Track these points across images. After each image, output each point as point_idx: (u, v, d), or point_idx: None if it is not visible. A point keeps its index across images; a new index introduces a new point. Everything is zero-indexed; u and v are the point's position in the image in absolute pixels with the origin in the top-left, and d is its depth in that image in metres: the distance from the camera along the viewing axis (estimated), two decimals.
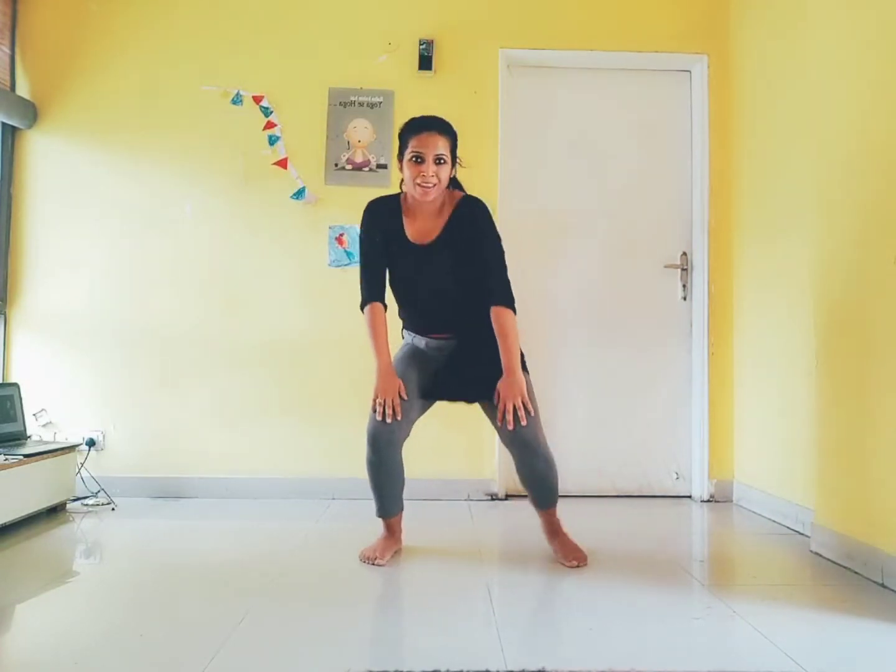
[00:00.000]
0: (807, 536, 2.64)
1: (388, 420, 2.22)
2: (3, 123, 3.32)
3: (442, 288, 2.37)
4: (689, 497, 3.47)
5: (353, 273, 3.40)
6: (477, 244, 2.32)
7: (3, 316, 3.34)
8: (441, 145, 2.25)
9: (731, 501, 3.38)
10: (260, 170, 3.41)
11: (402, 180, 2.36)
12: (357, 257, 3.39)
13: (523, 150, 3.52)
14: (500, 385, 2.24)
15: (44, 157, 3.40)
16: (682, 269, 3.51)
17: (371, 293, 2.37)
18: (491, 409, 2.33)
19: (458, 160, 2.37)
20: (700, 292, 3.47)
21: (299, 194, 3.41)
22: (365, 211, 2.42)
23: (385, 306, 2.39)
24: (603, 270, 3.51)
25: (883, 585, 2.12)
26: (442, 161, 2.25)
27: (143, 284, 3.39)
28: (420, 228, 2.37)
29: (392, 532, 2.45)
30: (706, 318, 3.44)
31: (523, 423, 2.21)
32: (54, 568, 2.40)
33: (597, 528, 2.92)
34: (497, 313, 2.28)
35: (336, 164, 3.42)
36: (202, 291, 3.39)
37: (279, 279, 3.40)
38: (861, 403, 2.28)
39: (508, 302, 2.29)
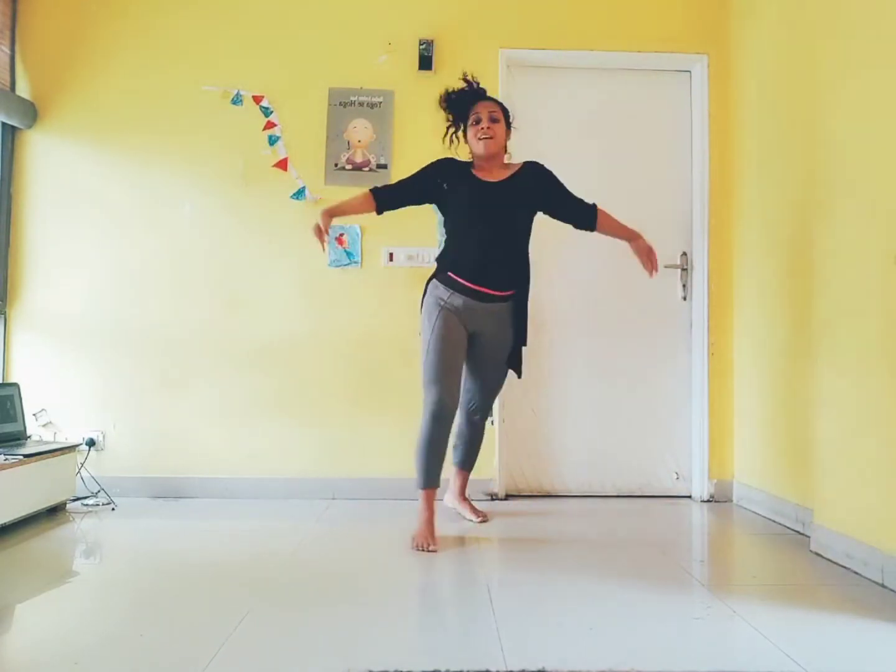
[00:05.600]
0: (807, 536, 2.64)
1: (324, 244, 2.62)
2: (3, 123, 3.32)
3: (505, 228, 2.63)
4: (689, 497, 3.47)
5: (354, 273, 3.42)
6: (552, 185, 2.73)
7: (3, 316, 3.34)
8: (492, 107, 2.70)
9: (731, 501, 3.38)
10: (260, 170, 3.41)
11: (470, 152, 2.74)
12: (356, 257, 3.40)
13: (523, 150, 3.51)
14: (640, 245, 2.75)
15: (44, 157, 3.40)
16: (682, 269, 3.51)
17: (384, 193, 2.73)
18: (478, 370, 2.78)
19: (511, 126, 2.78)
20: (700, 292, 3.47)
21: (299, 194, 3.41)
22: (437, 160, 2.73)
23: (379, 209, 2.72)
24: (603, 270, 3.51)
25: (883, 585, 2.12)
26: (495, 119, 2.67)
27: (144, 284, 3.39)
28: (490, 175, 2.69)
29: (431, 506, 2.63)
30: (706, 317, 3.44)
31: (657, 271, 2.78)
32: (54, 568, 2.40)
33: (597, 528, 2.92)
34: (600, 212, 2.76)
35: (336, 164, 3.42)
36: (202, 291, 3.39)
37: (279, 279, 3.40)
38: (860, 403, 2.28)
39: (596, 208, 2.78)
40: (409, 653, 1.65)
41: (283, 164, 3.42)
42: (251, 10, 3.45)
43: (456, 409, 2.65)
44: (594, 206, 2.76)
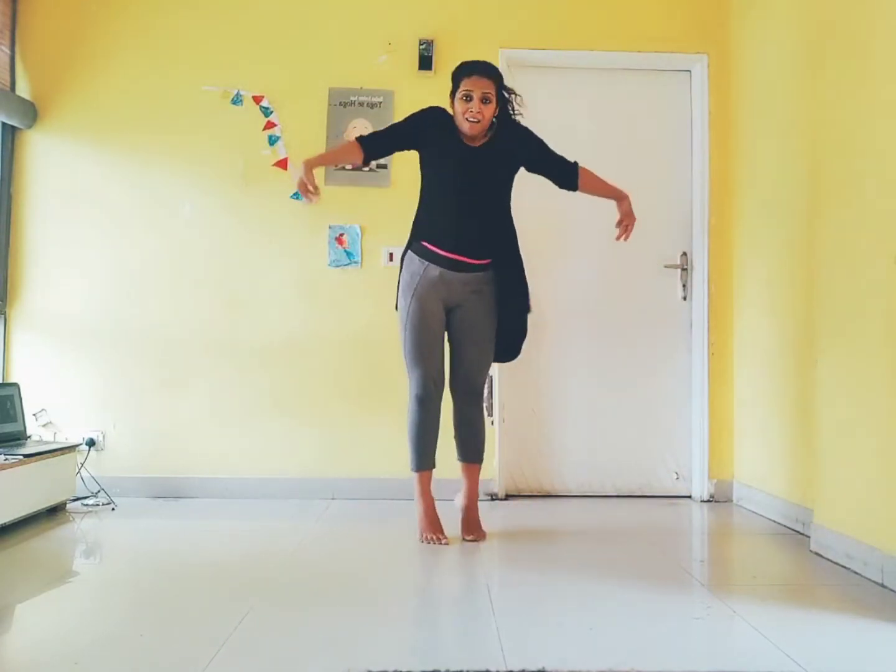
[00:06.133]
0: (807, 536, 2.63)
1: (311, 199, 2.57)
2: (3, 123, 3.32)
3: (486, 194, 2.58)
4: (689, 497, 3.47)
5: (354, 273, 3.42)
6: (532, 142, 2.66)
7: (3, 316, 3.33)
8: (487, 86, 2.55)
9: (731, 501, 3.38)
10: (260, 170, 3.41)
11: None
12: (356, 257, 3.40)
13: None
14: (625, 207, 2.69)
15: (44, 157, 3.40)
16: (682, 269, 3.51)
17: (371, 143, 2.63)
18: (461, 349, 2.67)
19: (510, 100, 2.66)
20: (700, 292, 3.47)
21: (299, 194, 3.40)
22: (427, 108, 2.65)
23: (367, 157, 2.63)
24: (603, 271, 3.51)
25: (883, 585, 2.12)
26: (487, 100, 2.54)
27: (143, 284, 3.39)
28: (472, 140, 2.61)
29: (428, 492, 2.64)
30: (706, 317, 3.44)
31: (627, 239, 2.73)
32: (54, 568, 2.40)
33: (597, 528, 2.92)
34: (581, 171, 2.69)
35: (336, 164, 3.42)
36: (202, 291, 3.39)
37: (279, 279, 3.40)
38: (861, 403, 2.28)
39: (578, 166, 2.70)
40: (410, 653, 1.65)
41: (283, 164, 3.42)
42: (251, 10, 3.45)
43: (441, 389, 2.62)
44: (576, 164, 2.70)
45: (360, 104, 3.43)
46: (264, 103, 3.43)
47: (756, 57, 3.25)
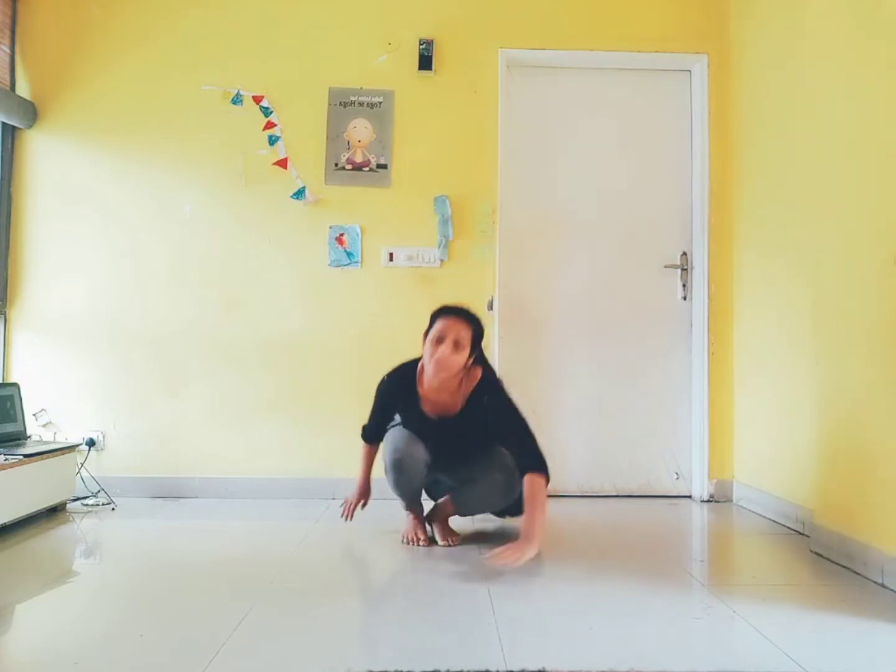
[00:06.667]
0: (807, 536, 2.64)
1: (348, 518, 2.66)
2: (3, 123, 3.32)
3: (454, 447, 2.54)
4: (689, 497, 3.47)
5: (354, 273, 3.42)
6: (503, 420, 2.45)
7: (3, 316, 3.33)
8: (462, 330, 2.38)
9: (731, 501, 3.38)
10: (260, 170, 3.41)
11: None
12: (356, 257, 3.40)
13: (523, 150, 3.52)
14: (519, 544, 2.21)
15: (44, 156, 3.40)
16: (682, 269, 3.51)
17: (372, 436, 2.68)
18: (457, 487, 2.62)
19: (481, 350, 2.48)
20: (700, 292, 3.47)
21: (299, 194, 3.41)
22: (382, 383, 2.60)
23: (377, 442, 2.68)
24: (603, 270, 3.51)
25: (883, 585, 2.12)
26: (460, 346, 2.37)
27: (144, 284, 3.39)
28: (440, 403, 2.50)
29: (417, 515, 2.67)
30: (706, 318, 3.44)
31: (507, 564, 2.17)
32: (54, 568, 2.40)
33: (597, 527, 2.92)
34: (533, 480, 2.33)
35: (336, 164, 3.42)
36: (202, 291, 3.39)
37: (279, 279, 3.40)
38: (860, 403, 2.28)
39: (544, 469, 2.36)
40: (409, 653, 1.64)
41: (283, 164, 3.42)
42: (251, 10, 3.45)
43: (418, 461, 2.48)
44: (534, 466, 2.35)
45: (360, 104, 3.43)
46: (264, 103, 3.43)
47: (756, 56, 3.24)
